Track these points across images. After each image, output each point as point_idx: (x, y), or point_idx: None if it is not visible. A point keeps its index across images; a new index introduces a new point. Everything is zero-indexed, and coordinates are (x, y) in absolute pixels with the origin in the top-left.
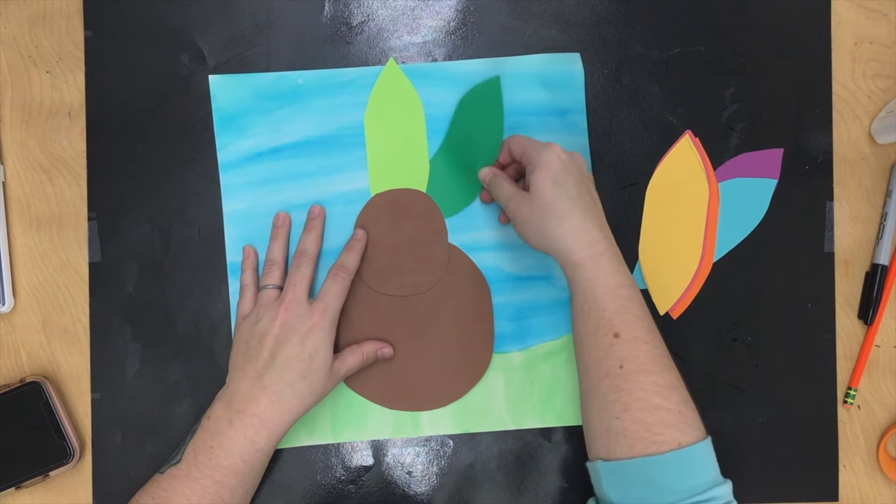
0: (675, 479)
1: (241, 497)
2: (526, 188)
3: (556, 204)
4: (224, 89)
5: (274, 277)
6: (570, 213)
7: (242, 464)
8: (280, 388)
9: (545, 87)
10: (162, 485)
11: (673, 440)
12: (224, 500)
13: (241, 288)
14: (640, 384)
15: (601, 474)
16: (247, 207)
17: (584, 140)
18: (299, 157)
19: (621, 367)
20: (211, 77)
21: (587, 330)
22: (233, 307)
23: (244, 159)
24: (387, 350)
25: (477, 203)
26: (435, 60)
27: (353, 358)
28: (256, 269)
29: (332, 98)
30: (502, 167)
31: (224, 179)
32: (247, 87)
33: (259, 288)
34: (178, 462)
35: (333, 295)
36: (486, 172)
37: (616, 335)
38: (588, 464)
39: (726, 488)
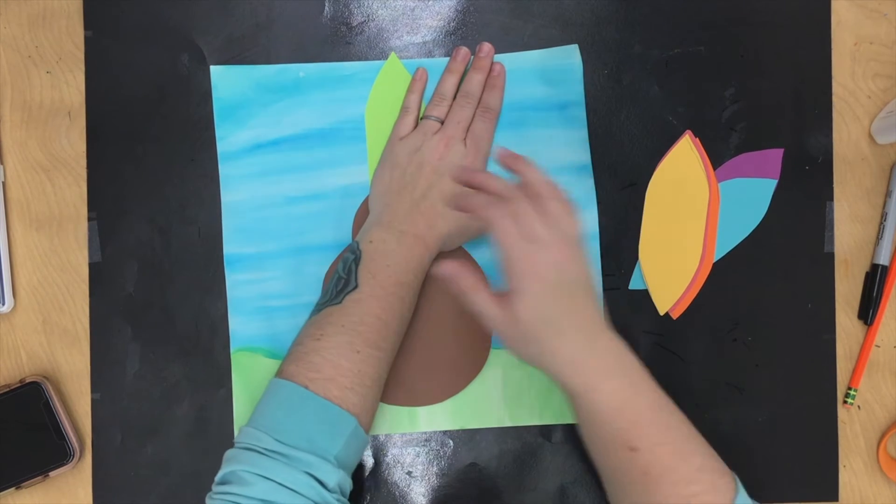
0: None
1: (409, 315)
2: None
3: (541, 338)
4: (225, 80)
5: (440, 111)
6: (557, 348)
7: (415, 279)
8: (434, 215)
9: (544, 81)
10: (346, 310)
11: None
12: (404, 317)
13: (403, 109)
14: (671, 481)
15: None
16: (245, 199)
17: (583, 133)
18: (299, 149)
19: (646, 474)
20: (212, 67)
21: (599, 447)
22: (231, 301)
23: (244, 150)
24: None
25: None
26: None
27: None
28: (422, 94)
29: (333, 91)
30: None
31: (223, 170)
32: (248, 78)
33: (423, 116)
34: (356, 287)
35: (485, 135)
36: (457, 273)
37: (632, 449)
38: None
39: None
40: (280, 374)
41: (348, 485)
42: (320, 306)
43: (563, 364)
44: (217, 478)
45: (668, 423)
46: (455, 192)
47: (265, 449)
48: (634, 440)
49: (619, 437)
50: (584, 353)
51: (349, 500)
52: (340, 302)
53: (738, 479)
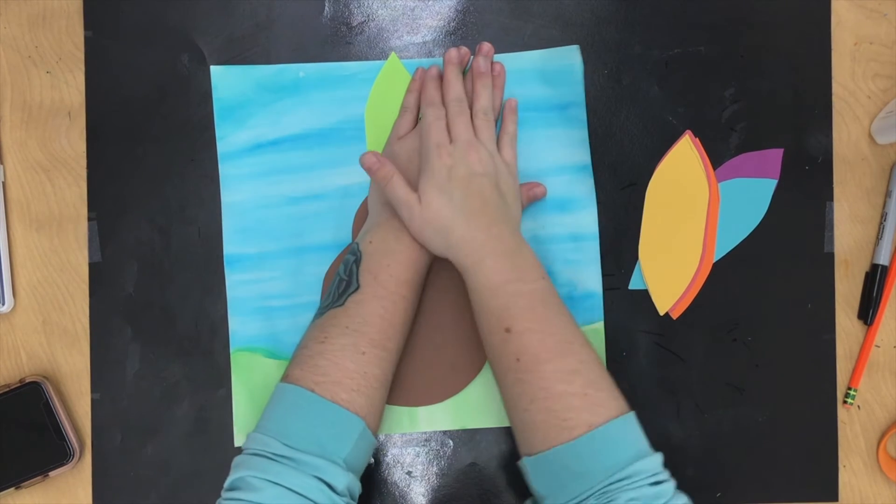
0: (590, 461)
1: (413, 313)
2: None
3: (440, 214)
4: (225, 80)
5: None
6: (454, 225)
7: (417, 277)
8: None
9: (545, 82)
10: (349, 312)
11: (582, 423)
12: (408, 315)
13: (402, 109)
14: (539, 374)
15: (528, 470)
16: (245, 199)
17: (583, 133)
18: (299, 149)
19: (518, 360)
20: (212, 67)
21: (481, 327)
22: (231, 301)
23: (244, 150)
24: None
25: None
26: None
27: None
28: (419, 93)
29: (333, 91)
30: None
31: (223, 170)
32: (248, 78)
33: (420, 117)
34: (358, 288)
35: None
36: (375, 163)
37: (507, 330)
38: (518, 464)
39: (652, 461)
40: (286, 378)
41: (357, 488)
42: (323, 309)
43: (457, 241)
44: (226, 484)
45: (547, 317)
46: (429, 72)
47: (273, 454)
48: (508, 320)
49: (497, 315)
50: (477, 234)
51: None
52: (343, 304)
53: (631, 415)
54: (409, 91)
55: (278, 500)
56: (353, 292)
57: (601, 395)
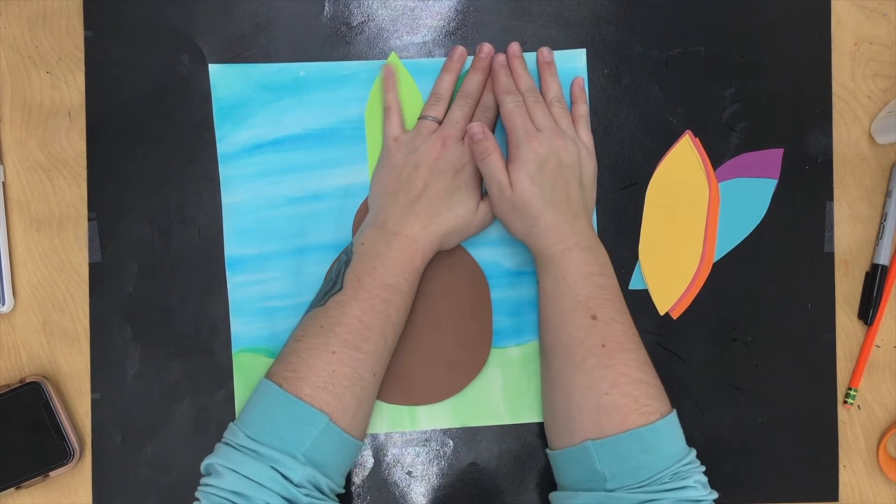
0: (667, 444)
1: (402, 316)
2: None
3: (531, 204)
4: (224, 79)
5: (437, 111)
6: (543, 214)
7: (404, 282)
8: (430, 215)
9: None
10: (327, 312)
11: (657, 410)
12: (391, 318)
13: (387, 109)
14: (623, 361)
15: (592, 453)
16: (245, 199)
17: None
18: (299, 149)
19: (603, 346)
20: (211, 66)
21: (562, 312)
22: (232, 302)
23: (244, 150)
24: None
25: None
26: None
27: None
28: (396, 91)
29: (334, 91)
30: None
31: (223, 171)
32: (247, 77)
33: (420, 116)
34: (341, 289)
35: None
36: (479, 132)
37: (594, 317)
38: (563, 451)
39: (694, 453)
40: (266, 373)
41: (324, 481)
42: (308, 308)
43: (545, 230)
44: (201, 468)
45: (624, 311)
46: (497, 60)
47: (237, 444)
48: (596, 309)
49: (583, 302)
50: (564, 225)
51: (343, 498)
52: (324, 304)
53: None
54: (385, 91)
55: (237, 486)
56: (335, 293)
57: (661, 388)
